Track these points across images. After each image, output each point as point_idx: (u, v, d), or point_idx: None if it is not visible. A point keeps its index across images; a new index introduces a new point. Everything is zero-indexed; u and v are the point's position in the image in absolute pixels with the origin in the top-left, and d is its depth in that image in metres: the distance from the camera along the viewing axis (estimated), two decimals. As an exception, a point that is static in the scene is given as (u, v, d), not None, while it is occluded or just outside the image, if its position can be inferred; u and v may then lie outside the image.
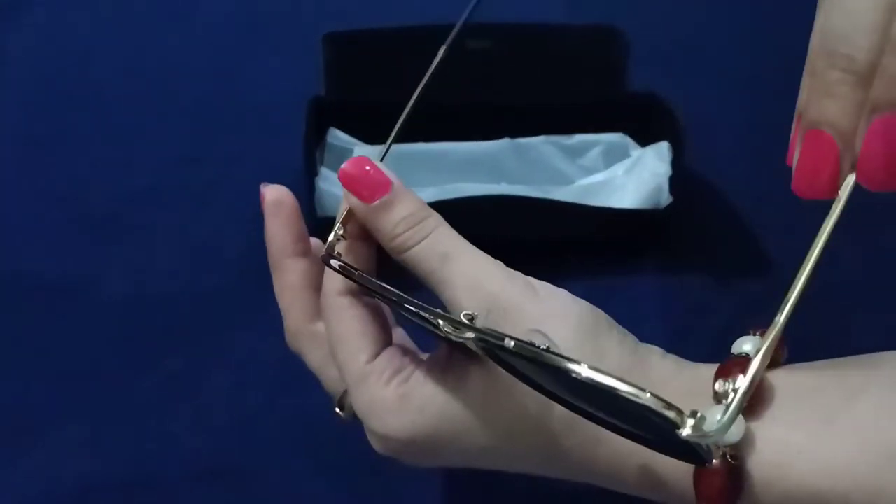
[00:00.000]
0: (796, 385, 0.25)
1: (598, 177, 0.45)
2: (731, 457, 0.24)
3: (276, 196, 0.32)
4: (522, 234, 0.44)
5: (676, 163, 0.44)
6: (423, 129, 0.43)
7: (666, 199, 0.43)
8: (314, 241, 0.33)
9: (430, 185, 0.43)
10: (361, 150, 0.45)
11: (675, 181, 0.43)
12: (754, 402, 0.24)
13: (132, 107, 0.52)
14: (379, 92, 0.46)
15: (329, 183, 0.44)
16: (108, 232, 0.48)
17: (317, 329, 0.31)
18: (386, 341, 0.30)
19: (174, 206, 0.49)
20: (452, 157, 0.45)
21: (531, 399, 0.26)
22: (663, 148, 0.44)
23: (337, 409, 0.32)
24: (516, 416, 0.27)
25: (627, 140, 0.46)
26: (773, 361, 0.25)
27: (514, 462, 0.28)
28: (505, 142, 0.46)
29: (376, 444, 0.29)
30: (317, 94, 0.47)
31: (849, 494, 0.23)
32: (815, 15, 0.27)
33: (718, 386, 0.24)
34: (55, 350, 0.45)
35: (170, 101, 0.52)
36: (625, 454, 0.26)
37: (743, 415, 0.24)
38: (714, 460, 0.23)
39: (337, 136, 0.46)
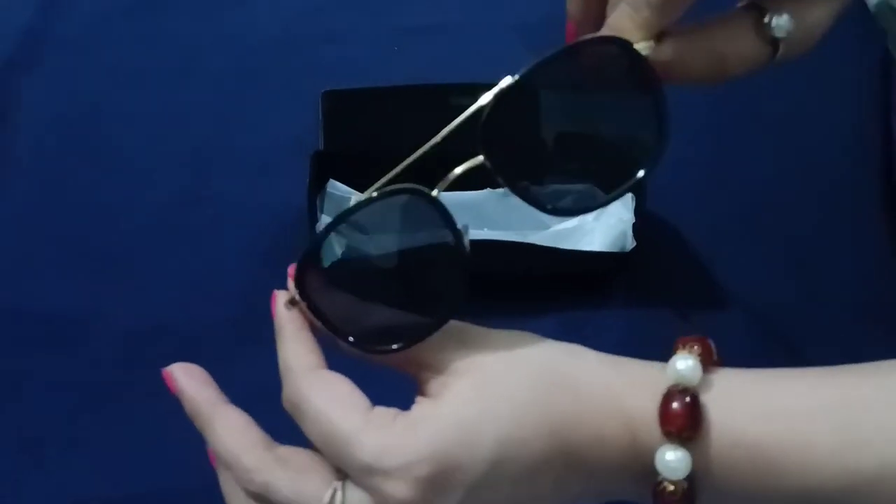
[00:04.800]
0: (741, 370, 0.30)
1: (569, 223, 0.49)
2: (691, 396, 0.28)
3: (182, 371, 0.34)
4: (503, 273, 0.47)
5: (639, 210, 0.48)
6: (413, 179, 0.46)
7: (630, 242, 0.47)
8: None
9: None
10: (357, 198, 0.49)
11: (638, 227, 0.47)
12: (710, 368, 0.29)
13: (137, 152, 0.55)
14: (372, 145, 0.48)
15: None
16: (113, 268, 0.51)
17: (279, 454, 0.31)
18: None
19: (176, 244, 0.51)
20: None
21: (522, 379, 0.29)
22: (627, 198, 0.48)
23: None
24: (516, 398, 0.29)
25: (596, 190, 0.50)
26: (714, 363, 0.30)
27: (528, 459, 0.29)
28: (487, 191, 0.49)
29: (401, 487, 0.28)
30: (317, 149, 0.50)
31: (784, 442, 0.27)
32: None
33: (679, 351, 0.30)
34: (63, 378, 0.47)
35: (173, 147, 0.55)
36: (602, 397, 0.29)
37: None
38: (674, 403, 0.28)
39: (336, 187, 0.49)
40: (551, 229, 0.49)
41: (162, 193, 0.53)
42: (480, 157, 0.31)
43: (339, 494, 0.29)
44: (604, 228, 0.48)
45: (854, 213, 0.53)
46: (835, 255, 0.51)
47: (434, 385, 0.31)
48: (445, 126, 0.32)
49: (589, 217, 0.49)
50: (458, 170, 0.31)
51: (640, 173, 0.31)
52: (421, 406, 0.30)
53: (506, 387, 0.30)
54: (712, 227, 0.52)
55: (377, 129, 0.51)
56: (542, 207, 0.31)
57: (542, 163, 0.32)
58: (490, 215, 0.49)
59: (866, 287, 0.50)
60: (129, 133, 0.56)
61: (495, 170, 0.31)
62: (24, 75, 0.58)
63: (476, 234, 0.48)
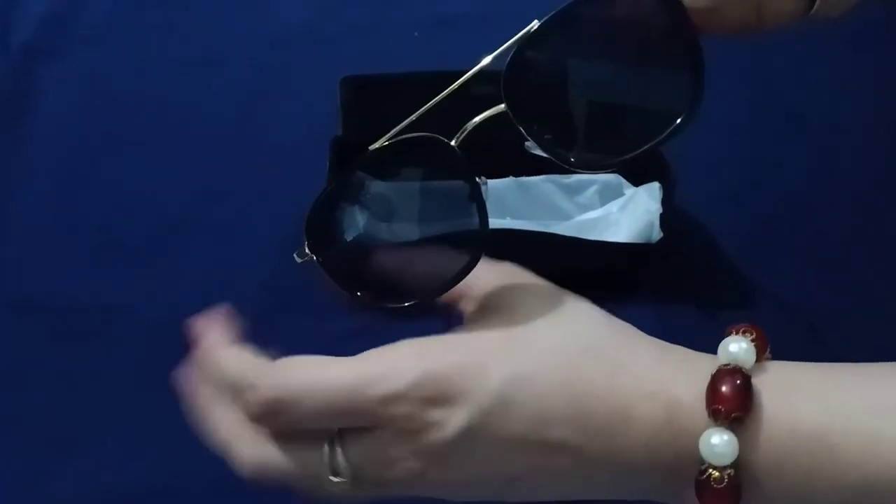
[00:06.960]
0: (799, 363, 0.29)
1: (594, 213, 0.48)
2: (743, 376, 0.27)
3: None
4: (525, 265, 0.47)
5: (666, 201, 0.47)
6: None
7: (657, 234, 0.46)
8: None
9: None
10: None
11: (665, 218, 0.46)
12: (764, 357, 0.28)
13: (159, 143, 0.55)
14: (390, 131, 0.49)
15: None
16: (139, 261, 0.50)
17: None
18: None
19: (198, 236, 0.51)
20: (462, 195, 0.48)
21: (559, 337, 0.29)
22: (654, 188, 0.47)
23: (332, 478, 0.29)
24: (545, 351, 0.28)
25: (621, 180, 0.49)
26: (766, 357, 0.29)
27: (539, 409, 0.27)
28: (509, 180, 0.49)
29: (405, 408, 0.27)
30: (336, 135, 0.49)
31: (849, 433, 0.26)
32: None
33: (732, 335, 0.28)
34: (93, 368, 0.47)
35: (195, 138, 0.55)
36: (643, 378, 0.28)
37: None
38: (724, 385, 0.26)
39: (355, 173, 0.49)
40: (575, 220, 0.48)
41: (184, 184, 0.53)
42: (502, 106, 0.29)
43: (336, 448, 0.28)
44: (629, 219, 0.47)
45: (891, 216, 0.52)
46: (870, 257, 0.50)
47: (472, 317, 0.31)
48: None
49: (614, 208, 0.48)
50: (478, 118, 0.30)
51: (673, 126, 0.29)
52: (446, 336, 0.29)
53: (539, 338, 0.29)
54: (744, 226, 0.51)
55: (396, 116, 0.50)
56: (565, 160, 0.30)
57: (567, 113, 0.30)
58: (512, 205, 0.49)
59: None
60: (150, 124, 0.56)
61: (517, 118, 0.29)
62: (46, 64, 0.58)
63: (498, 223, 0.47)
